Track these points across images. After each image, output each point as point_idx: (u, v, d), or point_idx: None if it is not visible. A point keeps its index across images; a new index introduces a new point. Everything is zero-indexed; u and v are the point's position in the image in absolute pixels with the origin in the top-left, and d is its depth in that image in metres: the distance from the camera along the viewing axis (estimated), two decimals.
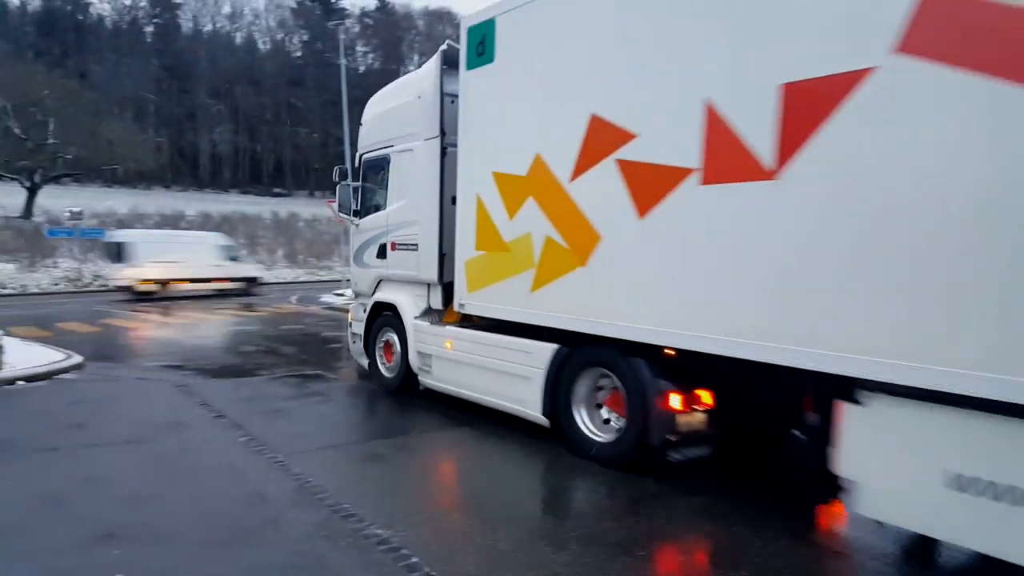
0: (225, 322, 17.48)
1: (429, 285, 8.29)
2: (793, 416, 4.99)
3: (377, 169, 9.02)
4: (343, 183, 9.56)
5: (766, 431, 5.60)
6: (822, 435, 4.56)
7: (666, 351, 5.57)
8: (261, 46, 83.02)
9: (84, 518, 4.80)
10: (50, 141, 44.03)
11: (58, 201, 44.03)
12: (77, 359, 10.66)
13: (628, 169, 5.62)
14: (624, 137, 5.63)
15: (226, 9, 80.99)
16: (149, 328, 16.13)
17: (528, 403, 6.75)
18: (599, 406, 6.28)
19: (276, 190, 72.38)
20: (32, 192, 42.34)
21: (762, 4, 4.68)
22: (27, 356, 10.46)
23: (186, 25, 79.93)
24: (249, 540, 4.47)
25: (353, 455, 6.48)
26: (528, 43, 6.62)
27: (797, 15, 4.48)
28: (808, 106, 4.41)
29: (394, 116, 8.65)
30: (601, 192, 5.85)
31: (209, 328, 16.33)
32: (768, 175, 4.63)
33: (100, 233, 31.13)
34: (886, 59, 4.00)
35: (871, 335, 4.13)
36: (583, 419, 6.34)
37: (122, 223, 40.92)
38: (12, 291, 27.67)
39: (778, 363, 4.61)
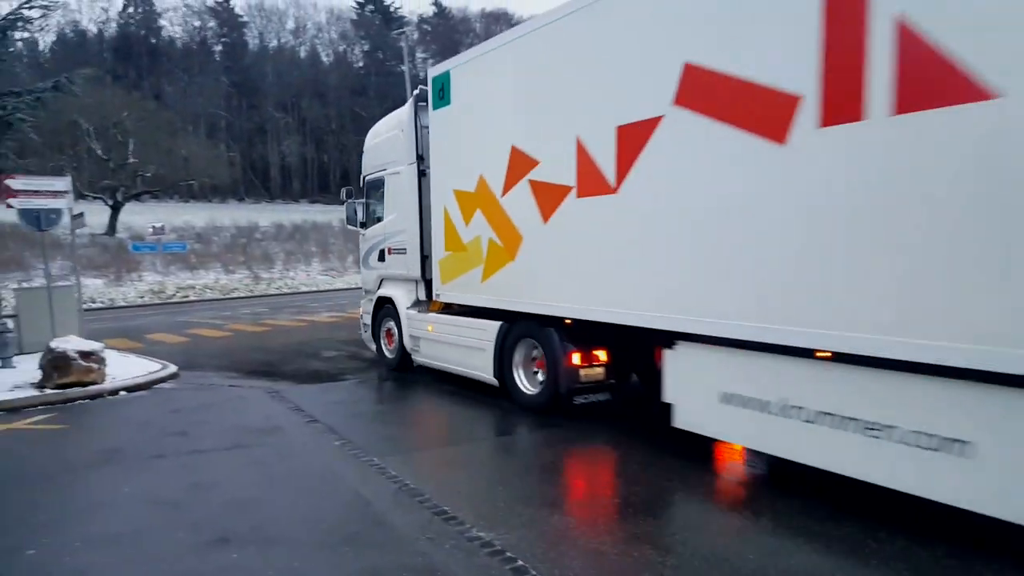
0: (305, 328, 17.92)
1: (417, 281, 10.17)
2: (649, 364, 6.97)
3: (377, 188, 10.92)
4: (348, 200, 11.64)
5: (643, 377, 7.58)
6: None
7: (566, 321, 7.46)
8: (324, 59, 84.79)
9: (198, 522, 5.00)
10: (130, 160, 45.92)
11: (139, 217, 45.91)
12: (172, 369, 11.09)
13: (536, 187, 7.52)
14: (532, 163, 7.54)
15: (290, 25, 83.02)
16: (234, 337, 16.64)
17: (484, 369, 8.67)
18: (536, 370, 8.07)
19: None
20: (115, 210, 44.17)
21: (603, 71, 6.56)
22: (126, 367, 10.94)
23: (252, 42, 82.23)
24: (357, 543, 4.57)
25: (447, 457, 6.57)
26: (472, 90, 8.53)
27: (622, 79, 6.35)
28: (631, 141, 6.27)
29: (386, 145, 10.61)
30: (520, 204, 7.72)
31: (291, 334, 16.76)
32: (612, 190, 6.52)
33: (182, 247, 32.27)
34: (669, 109, 5.86)
35: (676, 299, 5.95)
36: (520, 378, 8.26)
37: (200, 236, 42.44)
38: (101, 305, 28.90)
39: (624, 323, 6.51)
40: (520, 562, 4.26)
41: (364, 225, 11.40)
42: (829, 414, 4.90)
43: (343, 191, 12.01)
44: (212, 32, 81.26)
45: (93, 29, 73.84)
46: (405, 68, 29.14)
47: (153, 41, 75.60)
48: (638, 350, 7.28)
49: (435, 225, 9.39)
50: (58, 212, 11.44)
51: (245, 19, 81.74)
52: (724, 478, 5.96)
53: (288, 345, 14.32)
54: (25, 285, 23.21)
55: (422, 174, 9.73)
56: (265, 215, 52.58)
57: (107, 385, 9.66)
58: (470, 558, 4.35)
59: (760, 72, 5.14)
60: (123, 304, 29.65)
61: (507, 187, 7.92)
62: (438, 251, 9.37)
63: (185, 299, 31.10)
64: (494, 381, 8.55)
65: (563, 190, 7.12)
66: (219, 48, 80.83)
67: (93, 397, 9.32)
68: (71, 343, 9.52)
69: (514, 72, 7.80)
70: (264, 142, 73.67)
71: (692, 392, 6.06)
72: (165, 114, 55.20)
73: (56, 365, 9.28)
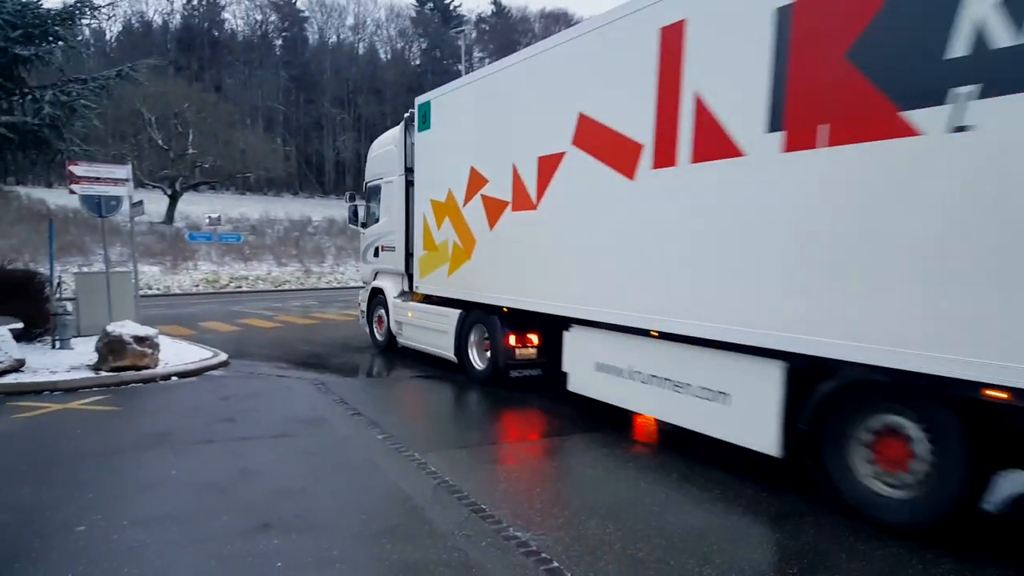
0: (352, 323, 18.09)
1: (402, 275, 11.92)
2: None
3: (375, 193, 12.58)
4: (350, 203, 13.53)
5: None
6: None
7: (504, 309, 9.17)
8: (382, 55, 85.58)
9: (243, 508, 5.08)
10: (189, 151, 47.02)
11: (196, 207, 47.02)
12: (223, 357, 11.31)
13: (486, 200, 9.28)
14: (484, 181, 9.31)
15: (349, 21, 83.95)
16: (284, 328, 16.89)
17: (447, 348, 10.49)
18: (486, 350, 9.76)
19: None
20: (173, 199, 45.27)
21: (530, 113, 8.32)
22: (178, 353, 11.20)
23: (312, 37, 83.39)
24: (395, 535, 4.61)
25: (486, 456, 6.57)
26: (446, 119, 10.31)
27: (541, 120, 8.10)
28: (547, 169, 8.05)
29: (383, 157, 12.32)
30: (475, 214, 9.50)
31: (339, 328, 16.95)
32: (534, 207, 8.34)
33: (236, 238, 32.89)
34: (569, 147, 7.66)
35: (571, 292, 7.76)
36: (473, 356, 10.05)
37: (254, 228, 43.26)
38: (157, 291, 29.68)
39: (545, 312, 8.25)
40: (555, 564, 4.25)
41: (364, 225, 13.16)
42: (655, 376, 6.78)
43: (347, 195, 14.09)
44: (273, 26, 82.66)
45: (158, 20, 75.74)
46: (462, 68, 29.24)
47: (215, 34, 77.16)
48: (559, 334, 8.41)
49: (417, 228, 11.16)
50: (118, 199, 11.74)
51: (306, 14, 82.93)
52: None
53: (335, 339, 14.49)
54: (85, 270, 23.93)
55: (409, 184, 11.43)
56: (318, 209, 53.34)
57: (159, 370, 9.89)
58: (505, 556, 4.35)
59: (621, 125, 6.97)
60: (178, 292, 30.42)
61: (467, 199, 9.70)
62: (418, 250, 11.18)
63: (238, 289, 31.79)
64: (454, 359, 10.39)
65: (503, 204, 8.94)
66: (279, 42, 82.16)
67: (146, 381, 9.56)
68: (127, 328, 9.76)
69: (474, 107, 9.60)
70: (320, 137, 74.71)
71: (578, 363, 7.98)
72: (224, 106, 56.41)
73: (112, 348, 9.53)
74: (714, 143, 5.91)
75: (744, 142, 5.68)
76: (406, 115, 11.39)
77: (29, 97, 10.37)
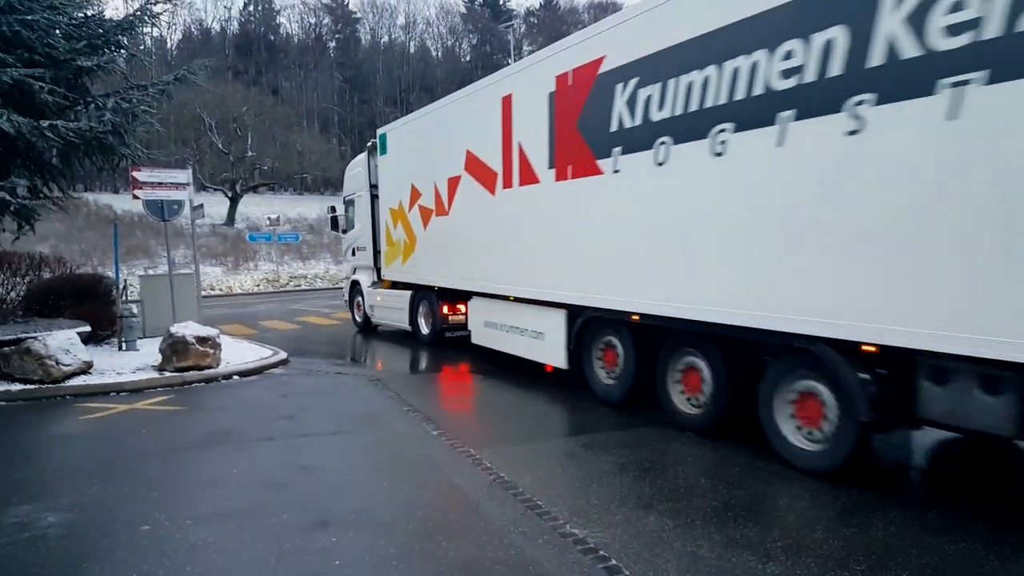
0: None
1: (372, 268, 14.87)
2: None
3: (351, 205, 15.76)
4: (332, 215, 16.89)
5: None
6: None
7: (437, 288, 12.21)
8: (433, 53, 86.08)
9: (302, 504, 5.13)
10: (249, 154, 48.10)
11: (256, 208, 48.02)
12: (282, 355, 11.50)
13: (421, 209, 12.25)
14: (419, 195, 12.29)
15: (401, 20, 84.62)
16: (341, 325, 17.11)
17: (404, 321, 13.64)
18: (430, 319, 12.81)
19: None
20: (234, 201, 46.35)
21: (443, 146, 11.17)
22: (239, 353, 11.43)
23: (365, 38, 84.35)
24: (451, 532, 4.60)
25: (541, 452, 6.50)
26: (396, 147, 13.36)
27: (448, 152, 10.92)
28: (453, 186, 10.92)
29: (355, 177, 15.45)
30: (415, 218, 12.51)
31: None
32: (447, 213, 11.26)
33: (295, 238, 33.46)
34: (462, 172, 10.51)
35: (471, 272, 10.64)
36: (421, 325, 13.16)
37: (312, 227, 44.01)
38: (219, 292, 30.43)
39: (456, 288, 11.37)
40: (613, 561, 4.18)
41: (344, 231, 16.35)
42: (512, 326, 9.94)
43: (328, 208, 17.57)
44: (327, 28, 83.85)
45: (216, 27, 77.50)
46: (511, 62, 29.23)
47: (271, 38, 78.59)
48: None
49: (381, 230, 14.24)
50: (180, 203, 12.04)
51: (358, 15, 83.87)
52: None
53: (390, 336, 14.59)
54: (150, 272, 24.64)
55: (374, 197, 14.42)
56: None
57: (221, 369, 10.10)
58: (563, 554, 4.29)
59: (486, 159, 9.99)
60: (239, 291, 31.14)
61: (410, 207, 12.68)
62: (382, 247, 14.25)
63: (297, 288, 32.38)
64: (409, 328, 13.54)
65: (431, 211, 11.92)
66: (332, 44, 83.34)
67: (208, 381, 9.77)
68: (189, 328, 9.99)
69: (412, 140, 12.67)
70: (373, 135, 75.38)
71: (475, 322, 11.15)
72: (281, 109, 57.48)
73: (175, 349, 9.77)
74: (528, 174, 9.05)
75: (540, 175, 8.78)
76: (369, 144, 14.56)
77: (92, 105, 10.69)
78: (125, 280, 13.21)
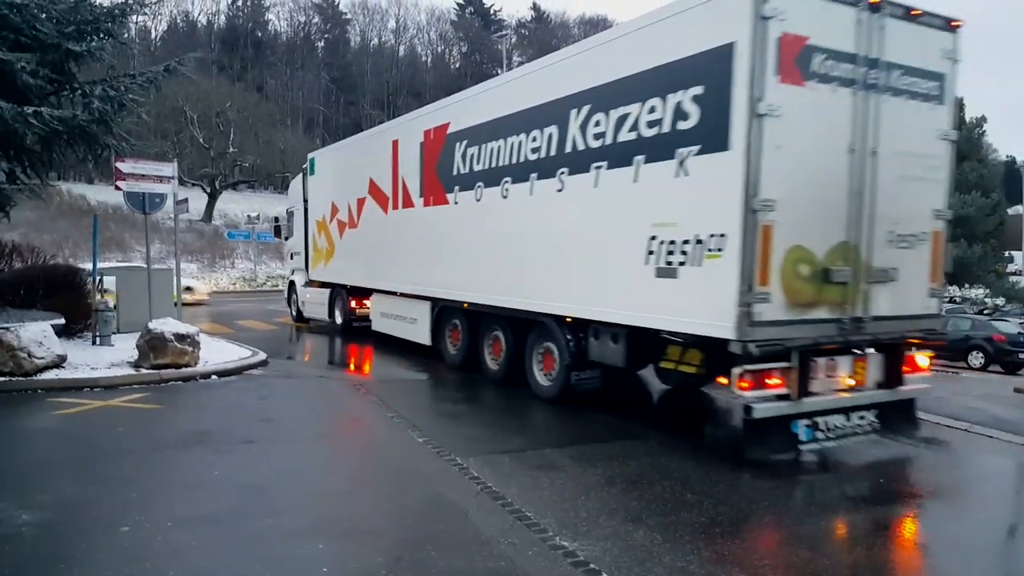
0: None
1: (304, 270, 17.34)
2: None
3: (291, 217, 18.31)
4: (275, 224, 20.77)
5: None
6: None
7: (348, 286, 14.88)
8: (423, 59, 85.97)
9: (286, 510, 5.02)
10: (230, 150, 47.63)
11: (234, 206, 47.55)
12: (262, 356, 11.31)
13: (338, 222, 14.72)
14: (337, 210, 14.75)
15: (391, 24, 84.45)
16: (320, 328, 16.93)
17: (325, 314, 16.27)
18: (343, 311, 15.47)
19: None
20: (212, 197, 45.85)
21: (352, 173, 14.10)
22: (218, 352, 11.21)
23: (354, 39, 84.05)
24: (440, 542, 4.50)
25: (528, 462, 6.40)
26: (321, 169, 16.02)
27: (356, 178, 13.72)
28: (360, 205, 13.62)
29: (293, 192, 18.16)
30: (334, 229, 14.97)
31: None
32: (356, 226, 13.93)
33: (288, 235, 33.12)
34: (366, 194, 13.30)
35: (372, 273, 13.50)
36: (336, 316, 15.76)
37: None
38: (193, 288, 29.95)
39: (360, 286, 14.23)
40: (604, 574, 4.13)
41: (286, 238, 19.11)
42: (397, 315, 12.68)
43: (273, 218, 21.50)
44: (316, 28, 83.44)
45: (203, 20, 76.78)
46: (502, 72, 29.29)
47: (259, 34, 78.00)
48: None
49: (310, 239, 16.72)
50: (162, 196, 11.82)
51: (348, 16, 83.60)
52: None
53: (370, 339, 14.40)
54: (123, 266, 24.20)
55: (307, 211, 16.86)
56: None
57: (199, 368, 9.90)
58: (553, 566, 4.24)
59: (382, 185, 12.61)
60: (215, 290, 30.74)
61: (330, 220, 15.26)
62: (311, 253, 16.72)
63: (275, 288, 32.03)
64: (328, 319, 16.20)
65: (344, 224, 14.49)
66: (321, 44, 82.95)
67: (186, 379, 9.57)
68: (168, 325, 9.78)
69: (333, 164, 15.60)
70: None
71: (375, 313, 13.82)
72: (265, 106, 57.09)
73: (153, 346, 9.55)
74: (407, 200, 11.85)
75: (415, 201, 11.61)
76: (304, 165, 17.15)
77: (79, 92, 10.46)
78: (101, 274, 12.91)
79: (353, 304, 14.91)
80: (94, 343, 11.36)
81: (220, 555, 4.27)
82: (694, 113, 6.48)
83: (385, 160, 12.36)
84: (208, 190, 46.09)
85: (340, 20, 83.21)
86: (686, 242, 6.56)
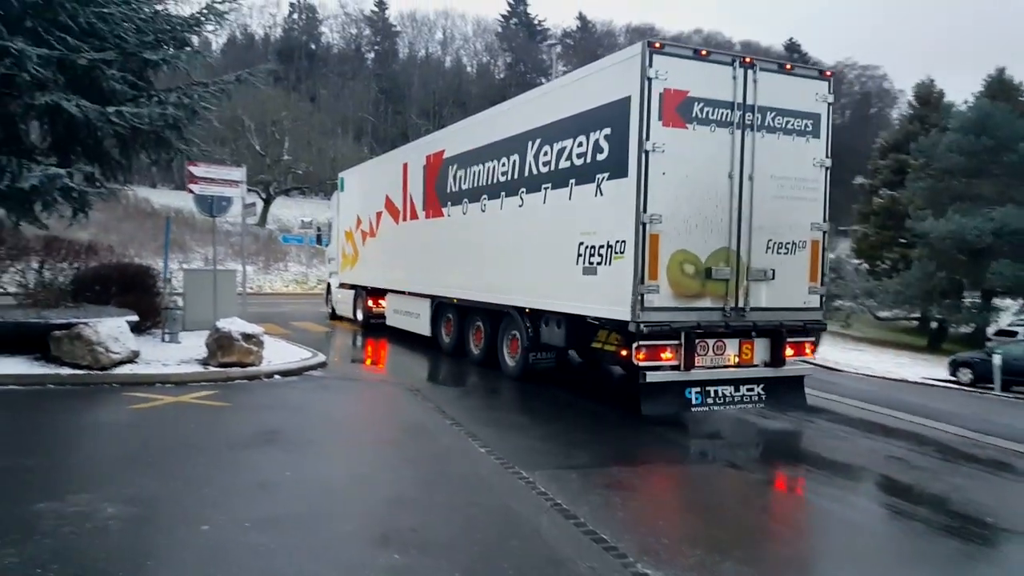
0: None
1: (337, 274, 19.47)
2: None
3: (330, 225, 20.57)
4: (317, 233, 23.14)
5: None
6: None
7: (366, 287, 17.11)
8: (468, 69, 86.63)
9: (359, 516, 5.07)
10: (284, 157, 48.51)
11: (287, 211, 48.36)
12: (321, 358, 11.46)
13: (361, 232, 17.17)
14: (360, 222, 17.28)
15: (438, 35, 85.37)
16: (371, 330, 17.09)
17: (350, 312, 18.19)
18: (364, 309, 17.31)
19: None
20: (266, 203, 46.66)
21: (372, 190, 16.56)
22: (279, 352, 11.39)
23: (402, 51, 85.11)
24: (516, 562, 4.44)
25: (597, 479, 6.33)
26: (349, 186, 18.54)
27: (374, 194, 16.26)
28: (378, 217, 16.06)
29: (333, 205, 20.57)
30: (358, 239, 17.42)
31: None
32: (375, 236, 16.40)
33: (326, 242, 33.50)
34: (383, 208, 15.66)
35: (388, 276, 15.72)
36: (358, 314, 17.74)
37: None
38: (250, 290, 30.51)
39: (377, 287, 16.47)
40: None
41: (326, 245, 21.40)
42: (405, 311, 14.83)
43: (315, 228, 23.91)
44: (366, 40, 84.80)
45: (260, 33, 78.63)
46: (544, 82, 29.45)
47: (313, 47, 79.61)
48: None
49: (340, 246, 18.97)
50: (229, 200, 12.08)
51: (398, 28, 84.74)
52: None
53: (423, 344, 14.49)
54: (186, 266, 24.77)
55: (339, 222, 19.18)
56: None
57: (263, 368, 10.06)
58: None
59: (395, 200, 14.89)
60: (269, 291, 31.31)
61: (355, 230, 17.51)
62: (340, 259, 19.01)
63: (325, 291, 32.40)
64: (352, 316, 18.15)
65: (366, 234, 16.74)
66: (371, 55, 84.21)
67: (251, 378, 9.74)
68: (235, 325, 9.97)
69: (358, 182, 18.03)
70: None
71: (389, 310, 15.70)
72: (318, 116, 58.00)
73: (221, 344, 9.75)
74: (413, 213, 13.95)
75: (419, 214, 13.67)
76: (338, 181, 19.78)
77: (156, 99, 10.79)
78: (171, 273, 13.24)
79: (370, 303, 16.82)
80: (163, 340, 11.65)
81: (301, 560, 4.28)
82: (606, 148, 8.29)
83: (397, 179, 14.62)
84: (263, 196, 46.93)
85: (390, 32, 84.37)
86: (602, 247, 8.31)
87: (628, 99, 7.86)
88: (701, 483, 6.50)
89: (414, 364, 13.23)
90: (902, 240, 35.34)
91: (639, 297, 7.68)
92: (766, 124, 8.18)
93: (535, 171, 9.74)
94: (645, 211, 7.64)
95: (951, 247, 29.03)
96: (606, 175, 8.28)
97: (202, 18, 11.37)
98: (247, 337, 9.88)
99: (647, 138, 7.63)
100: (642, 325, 7.66)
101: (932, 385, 18.10)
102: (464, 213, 11.80)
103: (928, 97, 39.52)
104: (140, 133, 10.67)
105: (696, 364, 7.94)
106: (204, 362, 9.90)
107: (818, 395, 11.30)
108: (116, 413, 7.77)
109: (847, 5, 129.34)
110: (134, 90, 10.55)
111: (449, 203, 12.36)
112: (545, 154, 9.56)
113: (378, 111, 76.46)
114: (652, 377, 7.78)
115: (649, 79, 7.62)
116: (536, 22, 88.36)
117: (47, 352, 9.45)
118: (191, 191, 11.39)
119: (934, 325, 34.51)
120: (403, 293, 14.75)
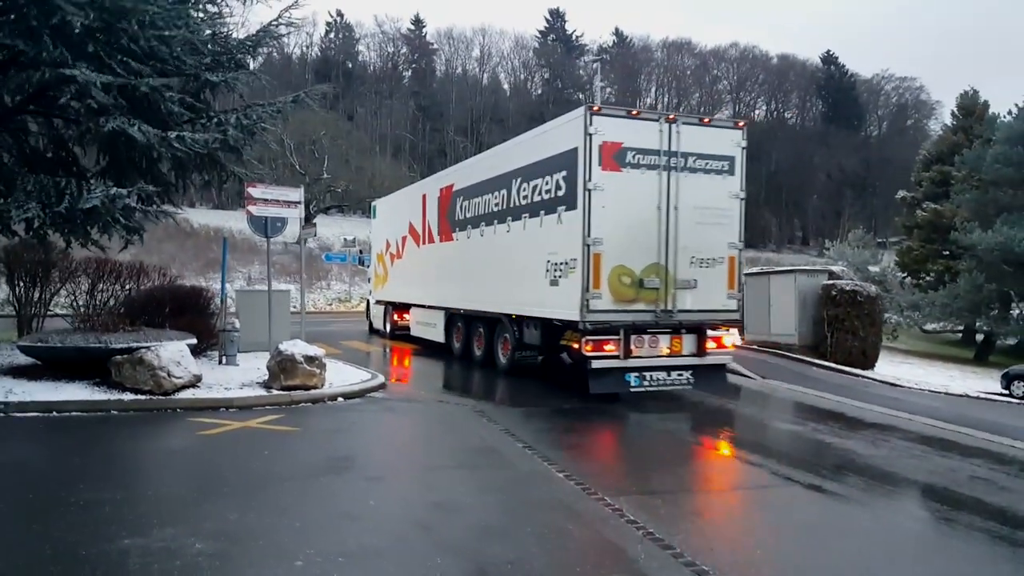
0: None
1: (373, 292, 21.92)
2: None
3: (368, 249, 23.78)
4: (360, 255, 28.79)
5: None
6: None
7: (393, 302, 19.35)
8: (505, 86, 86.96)
9: (451, 548, 4.81)
10: (324, 176, 48.94)
11: (327, 230, 48.70)
12: (380, 379, 11.29)
13: (390, 255, 19.60)
14: (388, 245, 19.75)
15: (476, 52, 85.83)
16: (422, 348, 16.97)
17: (381, 324, 20.53)
18: (391, 322, 19.39)
19: None
20: (307, 221, 46.97)
21: (398, 217, 18.89)
22: (338, 373, 11.25)
23: (440, 68, 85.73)
24: None
25: (685, 505, 6.05)
26: (380, 213, 21.44)
27: (399, 221, 18.59)
28: (403, 241, 18.38)
29: (371, 230, 23.13)
30: (388, 260, 19.83)
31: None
32: (401, 257, 18.61)
33: (368, 262, 33.67)
34: (407, 232, 17.88)
35: (412, 292, 17.78)
36: (387, 327, 19.84)
37: None
38: (294, 309, 30.64)
39: (403, 302, 18.54)
40: None
41: (367, 266, 23.88)
42: (425, 322, 16.74)
43: (359, 249, 27.45)
44: (403, 58, 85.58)
45: (298, 52, 79.72)
46: (582, 96, 29.47)
47: (350, 65, 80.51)
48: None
49: (373, 267, 21.67)
50: (284, 221, 12.02)
51: (435, 46, 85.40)
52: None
53: (471, 363, 14.30)
54: (239, 287, 24.91)
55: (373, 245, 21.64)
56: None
57: (326, 390, 9.91)
58: None
59: (416, 226, 17.14)
60: (312, 310, 31.36)
61: (385, 253, 19.76)
62: (373, 278, 21.76)
63: (366, 307, 32.44)
64: (383, 328, 20.11)
65: (394, 256, 18.86)
66: (408, 73, 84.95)
67: (314, 401, 9.59)
68: (297, 347, 9.83)
69: (388, 210, 20.33)
70: (443, 164, 75.48)
71: (413, 322, 17.63)
72: (357, 134, 58.53)
73: (283, 367, 9.61)
74: (430, 237, 16.13)
75: (435, 238, 15.85)
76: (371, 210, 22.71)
77: (215, 120, 10.78)
78: (227, 294, 13.21)
79: (396, 316, 18.87)
80: (220, 362, 11.58)
81: None
82: (564, 186, 10.42)
83: (418, 208, 16.89)
84: (304, 214, 47.35)
85: (427, 50, 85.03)
86: (562, 263, 10.43)
87: (576, 149, 9.99)
88: (787, 508, 6.15)
89: (466, 381, 13.17)
90: (946, 252, 34.72)
91: (585, 302, 9.82)
92: (688, 166, 10.24)
93: (517, 203, 11.87)
94: (589, 235, 9.81)
95: (998, 259, 28.60)
96: (564, 207, 10.38)
97: (259, 40, 11.37)
98: (310, 359, 9.74)
99: (589, 180, 9.79)
100: (587, 323, 9.87)
101: (996, 400, 17.46)
102: (468, 237, 14.02)
103: (972, 108, 38.57)
104: (196, 155, 10.65)
105: (633, 354, 10.07)
106: (266, 385, 9.78)
107: (885, 412, 11.43)
108: (185, 440, 7.65)
109: (886, 17, 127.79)
110: (191, 112, 10.57)
111: (457, 228, 14.57)
112: (524, 190, 11.67)
113: (416, 129, 76.99)
114: (596, 364, 9.91)
115: (590, 135, 9.76)
116: (573, 38, 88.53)
117: (107, 377, 9.41)
118: (249, 212, 11.33)
119: (980, 337, 33.91)
120: (423, 307, 16.78)
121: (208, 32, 10.54)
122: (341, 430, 8.37)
